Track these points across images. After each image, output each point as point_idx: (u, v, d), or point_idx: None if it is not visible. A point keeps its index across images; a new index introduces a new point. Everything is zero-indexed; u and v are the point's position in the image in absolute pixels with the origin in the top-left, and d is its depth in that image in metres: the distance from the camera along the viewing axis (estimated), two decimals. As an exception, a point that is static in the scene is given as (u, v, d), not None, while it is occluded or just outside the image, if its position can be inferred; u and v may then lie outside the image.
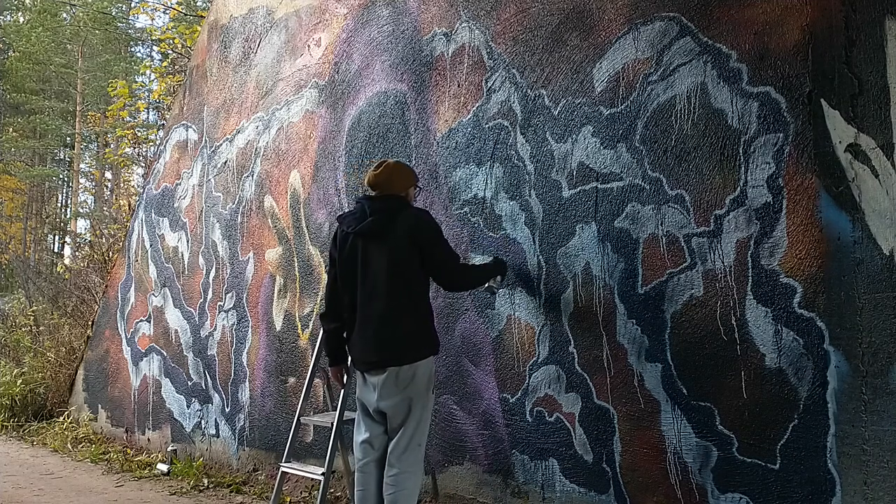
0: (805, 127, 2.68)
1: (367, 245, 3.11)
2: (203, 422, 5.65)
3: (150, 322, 6.51)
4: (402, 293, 3.05)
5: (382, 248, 3.06)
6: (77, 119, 24.82)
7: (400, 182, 3.25)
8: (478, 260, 3.75)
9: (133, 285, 6.88)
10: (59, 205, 28.94)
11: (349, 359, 3.30)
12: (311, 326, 4.75)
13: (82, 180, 25.98)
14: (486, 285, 3.59)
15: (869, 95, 2.52)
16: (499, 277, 3.57)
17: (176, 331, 6.13)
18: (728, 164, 2.88)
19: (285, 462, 3.70)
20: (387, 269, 3.04)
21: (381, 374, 3.06)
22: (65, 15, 25.27)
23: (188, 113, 6.43)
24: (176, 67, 11.66)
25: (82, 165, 26.45)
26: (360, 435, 3.21)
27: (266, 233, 5.28)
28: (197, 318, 5.88)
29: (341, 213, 3.41)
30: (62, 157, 28.80)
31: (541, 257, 3.51)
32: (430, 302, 3.23)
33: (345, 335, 3.26)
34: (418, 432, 3.09)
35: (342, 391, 3.58)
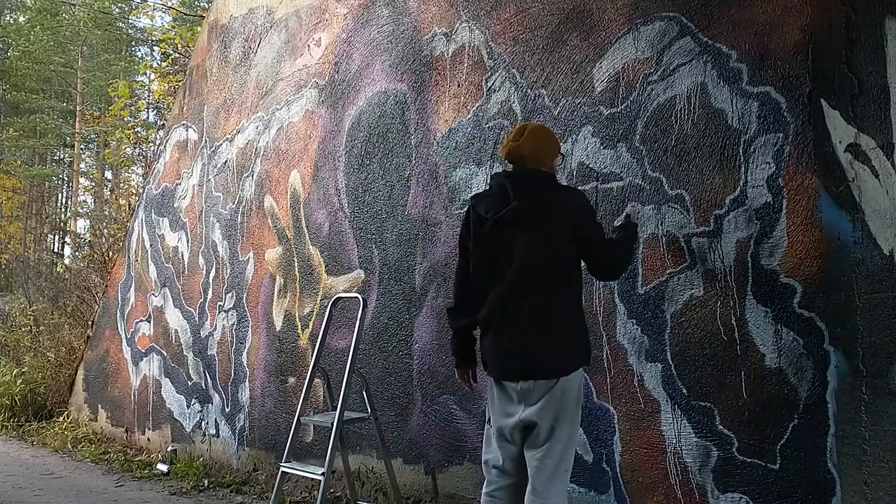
0: (805, 127, 2.68)
1: (510, 232, 2.61)
2: (203, 422, 5.65)
3: (150, 322, 6.51)
4: (555, 290, 2.57)
5: (531, 236, 2.57)
6: (77, 119, 24.80)
7: (548, 152, 2.73)
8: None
9: (133, 285, 6.88)
10: (59, 205, 28.93)
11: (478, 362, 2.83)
12: (310, 326, 4.75)
13: (82, 180, 25.98)
14: None
15: (869, 95, 2.52)
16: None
17: (176, 331, 6.13)
18: (728, 164, 2.88)
19: (285, 462, 3.70)
20: (538, 261, 2.57)
21: (526, 385, 2.57)
22: (64, 14, 25.24)
23: (188, 113, 6.43)
24: (176, 67, 11.67)
25: (82, 165, 26.46)
26: (489, 454, 2.70)
27: (266, 233, 5.28)
28: (197, 318, 5.88)
29: (475, 193, 2.90)
30: (62, 157, 28.79)
31: (541, 257, 3.50)
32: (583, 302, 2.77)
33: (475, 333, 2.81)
34: (566, 456, 2.59)
35: (342, 391, 3.58)
